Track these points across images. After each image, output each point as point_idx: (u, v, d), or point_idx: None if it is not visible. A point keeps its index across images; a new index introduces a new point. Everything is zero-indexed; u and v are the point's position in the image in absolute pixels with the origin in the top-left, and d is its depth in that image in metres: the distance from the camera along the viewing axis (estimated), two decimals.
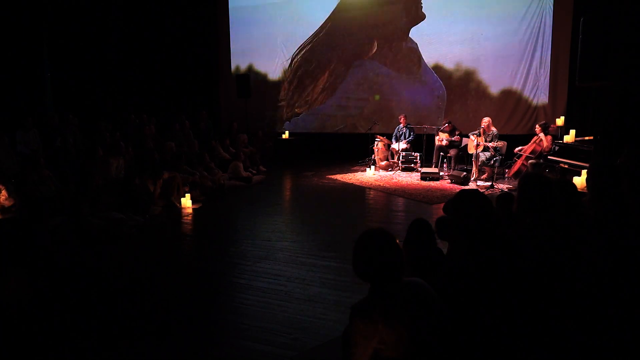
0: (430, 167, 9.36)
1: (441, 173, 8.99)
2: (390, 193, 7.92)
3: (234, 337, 3.39)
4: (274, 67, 12.55)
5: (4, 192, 5.71)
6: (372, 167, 9.76)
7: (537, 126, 8.01)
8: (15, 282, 4.65)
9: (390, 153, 10.15)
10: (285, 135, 11.61)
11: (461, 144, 9.30)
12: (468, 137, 8.85)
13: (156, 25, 12.08)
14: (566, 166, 7.08)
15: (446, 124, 9.38)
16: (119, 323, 3.63)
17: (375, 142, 10.09)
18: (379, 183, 8.69)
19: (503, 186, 7.87)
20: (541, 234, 2.42)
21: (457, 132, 9.38)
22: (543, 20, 9.69)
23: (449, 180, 8.59)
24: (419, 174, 9.02)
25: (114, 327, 3.57)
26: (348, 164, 10.68)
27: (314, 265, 4.68)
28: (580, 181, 5.37)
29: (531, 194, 2.54)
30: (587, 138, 7.34)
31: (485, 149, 8.41)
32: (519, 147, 8.10)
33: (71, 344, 3.33)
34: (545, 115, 9.61)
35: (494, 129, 8.57)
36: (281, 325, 3.48)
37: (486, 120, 8.54)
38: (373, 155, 10.17)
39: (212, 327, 3.56)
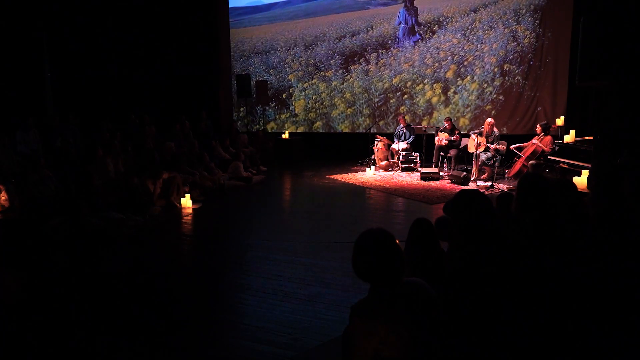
0: (430, 167, 9.36)
1: (441, 173, 8.99)
2: (390, 193, 7.91)
3: (234, 337, 3.39)
4: (275, 67, 12.57)
5: (3, 192, 5.71)
6: (372, 167, 9.76)
7: (537, 126, 8.01)
8: (15, 282, 4.64)
9: (390, 153, 10.15)
10: (285, 135, 11.61)
11: (460, 144, 9.30)
12: (468, 136, 8.85)
13: (156, 25, 12.07)
14: (566, 166, 7.08)
15: (447, 122, 9.36)
16: (119, 323, 3.63)
17: (375, 142, 10.08)
18: (379, 183, 8.68)
19: (503, 186, 7.87)
20: (540, 234, 2.42)
21: (456, 132, 9.38)
22: (543, 20, 9.68)
23: (449, 180, 8.58)
24: (419, 174, 9.01)
25: (114, 328, 3.56)
26: (348, 164, 10.68)
27: (314, 265, 4.67)
28: (580, 181, 5.37)
29: (529, 195, 2.54)
30: (587, 138, 7.34)
31: (486, 149, 8.42)
32: (516, 145, 8.10)
33: (71, 344, 3.33)
34: (545, 115, 9.61)
35: (496, 130, 8.58)
36: (281, 325, 3.48)
37: (489, 121, 8.56)
38: (373, 155, 10.17)
39: (212, 327, 3.56)
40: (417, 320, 1.77)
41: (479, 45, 10.19)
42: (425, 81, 10.64)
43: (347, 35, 11.60)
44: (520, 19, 9.83)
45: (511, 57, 9.95)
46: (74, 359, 3.20)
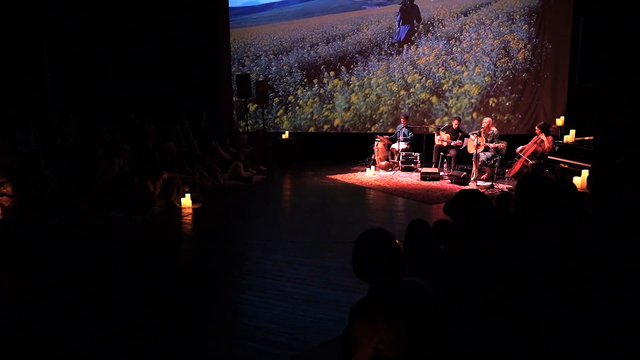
0: (430, 167, 9.36)
1: (441, 173, 8.99)
2: (390, 193, 7.91)
3: (234, 337, 3.39)
4: (274, 66, 12.57)
5: (8, 187, 5.72)
6: (372, 167, 9.76)
7: (536, 127, 8.00)
8: (15, 281, 4.64)
9: (390, 153, 10.14)
10: (285, 135, 11.61)
11: (463, 144, 9.28)
12: (469, 137, 8.84)
13: (156, 25, 12.08)
14: (566, 166, 7.07)
15: (456, 121, 9.29)
16: (119, 323, 3.63)
17: (375, 142, 10.08)
18: (379, 183, 8.68)
19: (503, 186, 7.87)
20: (539, 234, 2.42)
21: (459, 134, 9.32)
22: (543, 20, 9.68)
23: (449, 180, 8.58)
24: (419, 174, 9.02)
25: (114, 327, 3.56)
26: (348, 164, 10.68)
27: (314, 265, 4.67)
28: (580, 181, 5.37)
29: (529, 195, 2.54)
30: (587, 138, 7.33)
31: (486, 149, 8.42)
32: (520, 147, 8.09)
33: (71, 344, 3.33)
34: (545, 115, 9.60)
35: (494, 129, 8.57)
36: (281, 325, 3.48)
37: (486, 120, 8.56)
38: (373, 155, 10.17)
39: (212, 327, 3.56)
40: (417, 320, 1.77)
41: (459, 68, 9.65)
42: (381, 121, 10.00)
43: (321, 43, 11.12)
44: (513, 26, 9.58)
45: (501, 81, 9.69)
46: (74, 359, 3.20)
